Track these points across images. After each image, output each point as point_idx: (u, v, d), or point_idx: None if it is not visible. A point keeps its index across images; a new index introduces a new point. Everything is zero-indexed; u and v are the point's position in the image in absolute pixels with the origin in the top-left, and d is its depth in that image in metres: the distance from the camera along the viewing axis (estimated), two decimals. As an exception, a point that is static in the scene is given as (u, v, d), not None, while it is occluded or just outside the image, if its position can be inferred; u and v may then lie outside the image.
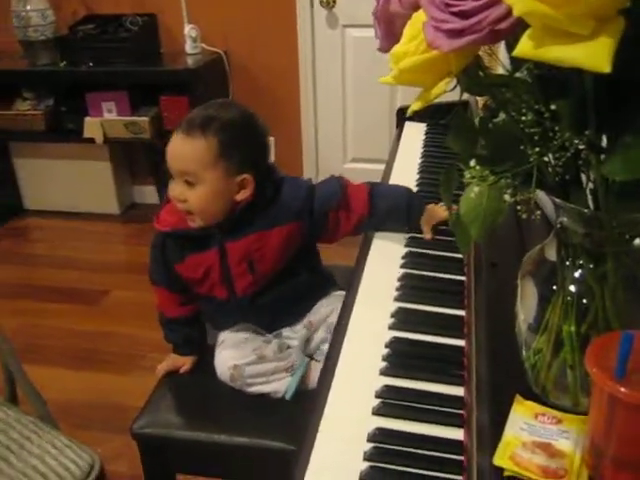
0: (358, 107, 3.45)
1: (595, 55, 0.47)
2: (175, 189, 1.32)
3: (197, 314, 1.52)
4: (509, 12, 0.52)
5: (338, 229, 1.43)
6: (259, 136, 1.37)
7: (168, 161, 1.31)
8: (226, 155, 1.29)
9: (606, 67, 0.47)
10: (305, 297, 1.47)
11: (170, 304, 1.49)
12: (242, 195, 1.33)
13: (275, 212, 1.37)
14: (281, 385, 1.37)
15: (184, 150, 1.29)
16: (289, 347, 1.43)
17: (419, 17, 0.64)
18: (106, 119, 3.37)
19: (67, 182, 3.71)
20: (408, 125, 2.07)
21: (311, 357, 1.43)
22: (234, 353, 1.40)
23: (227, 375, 1.38)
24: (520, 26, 0.52)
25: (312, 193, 1.41)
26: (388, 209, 1.42)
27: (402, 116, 2.10)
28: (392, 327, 1.12)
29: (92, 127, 3.36)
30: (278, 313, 1.46)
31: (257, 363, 1.37)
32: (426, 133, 2.01)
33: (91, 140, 3.39)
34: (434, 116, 1.99)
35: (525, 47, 0.51)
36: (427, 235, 1.40)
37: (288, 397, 1.36)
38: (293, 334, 1.47)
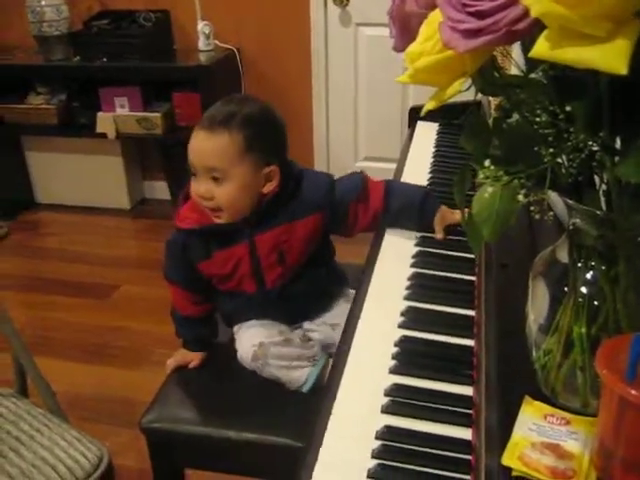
0: (370, 106, 3.44)
1: (611, 57, 0.47)
2: (200, 187, 1.31)
3: (211, 313, 1.52)
4: (526, 13, 0.52)
5: (357, 223, 1.45)
6: (280, 127, 1.38)
7: (191, 158, 1.31)
8: (252, 149, 1.29)
9: (622, 69, 0.47)
10: (325, 292, 1.50)
11: (185, 303, 1.48)
12: (269, 187, 1.34)
13: (299, 204, 1.39)
14: (301, 374, 1.37)
15: (209, 147, 1.29)
16: (310, 340, 1.44)
17: (435, 17, 0.64)
18: (118, 114, 3.38)
19: (78, 176, 3.72)
20: (420, 124, 2.07)
21: (330, 355, 1.43)
22: (261, 331, 1.41)
23: (250, 353, 1.38)
24: (537, 27, 0.52)
25: (333, 186, 1.43)
26: (401, 206, 1.43)
27: (414, 115, 2.09)
28: (402, 326, 1.12)
29: (104, 122, 3.38)
30: (301, 307, 1.47)
31: (283, 345, 1.38)
32: (438, 133, 2.01)
33: (103, 135, 3.40)
34: (447, 116, 1.99)
35: (542, 48, 0.51)
36: (438, 235, 1.40)
37: (306, 389, 1.37)
38: (315, 327, 1.47)
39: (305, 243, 1.41)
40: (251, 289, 1.42)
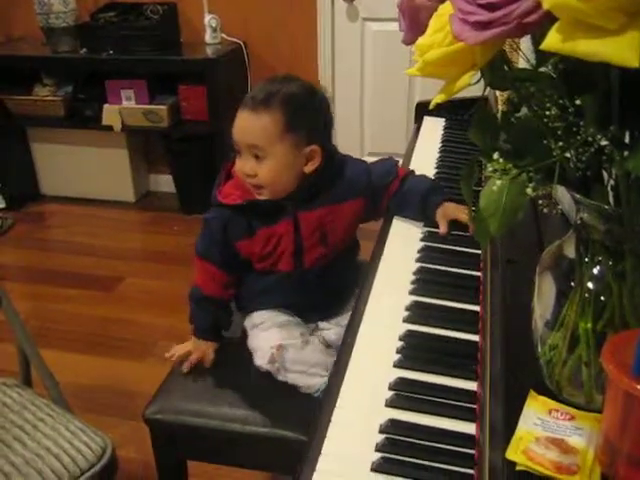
0: (376, 101, 3.44)
1: (623, 50, 0.47)
2: (245, 165, 1.33)
3: (230, 300, 1.51)
4: (537, 5, 0.52)
5: (383, 207, 1.49)
6: (323, 108, 1.39)
7: (235, 136, 1.33)
8: (292, 128, 1.31)
9: (634, 62, 0.47)
10: (349, 285, 1.52)
11: (213, 283, 1.45)
12: (310, 167, 1.35)
13: (344, 186, 1.42)
14: (317, 383, 1.36)
15: (251, 126, 1.31)
16: (330, 346, 1.43)
17: (445, 9, 0.64)
18: (124, 107, 3.38)
19: (84, 169, 3.73)
20: (427, 120, 2.06)
21: None
22: (280, 333, 1.41)
23: (267, 356, 1.37)
24: (548, 19, 0.52)
25: (370, 171, 1.48)
26: (407, 191, 1.47)
27: (421, 111, 2.09)
28: (407, 320, 1.12)
29: (110, 115, 3.38)
30: (328, 295, 1.48)
31: (302, 348, 1.38)
32: (445, 128, 2.00)
33: (109, 128, 3.41)
34: (453, 111, 1.99)
35: (553, 40, 0.51)
36: (442, 229, 1.40)
37: (317, 394, 1.36)
38: (331, 326, 1.47)
39: (347, 226, 1.45)
40: (288, 268, 1.42)
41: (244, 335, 1.50)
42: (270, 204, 1.37)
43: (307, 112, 1.34)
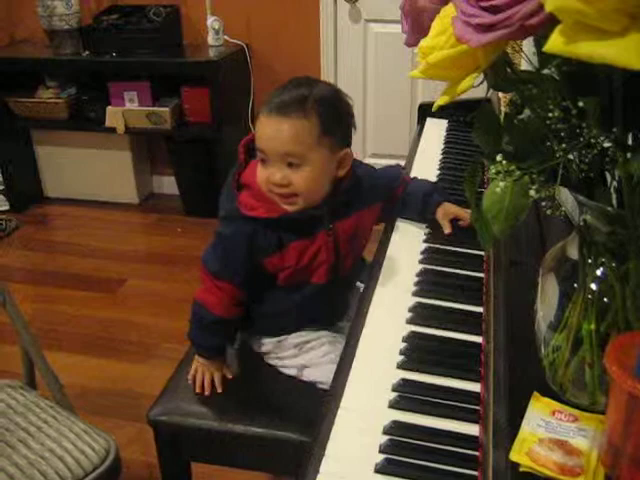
0: (379, 103, 3.44)
1: (626, 52, 0.47)
2: (276, 174, 1.23)
3: (240, 318, 1.43)
4: (540, 7, 0.52)
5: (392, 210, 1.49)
6: (350, 110, 1.33)
7: (262, 145, 1.23)
8: (328, 131, 1.23)
9: (637, 64, 0.47)
10: (354, 286, 1.51)
11: (228, 302, 1.35)
12: (342, 171, 1.30)
13: (366, 191, 1.38)
14: None
15: (284, 132, 1.20)
16: None
17: (448, 11, 0.64)
18: (128, 109, 3.38)
19: (87, 170, 3.73)
20: (429, 121, 2.07)
21: None
22: (334, 344, 1.40)
23: (329, 369, 1.24)
24: (550, 22, 0.52)
25: (382, 175, 1.48)
26: (408, 192, 1.47)
27: (424, 112, 2.09)
28: (410, 321, 1.12)
29: (114, 116, 3.38)
30: (348, 298, 1.48)
31: None
32: (447, 130, 2.01)
33: (112, 129, 3.41)
34: (456, 113, 1.99)
35: (555, 43, 0.51)
36: (446, 230, 1.40)
37: None
38: (345, 323, 1.47)
39: (370, 230, 1.43)
40: (323, 280, 1.34)
41: (245, 340, 1.51)
42: (306, 217, 1.28)
43: (339, 115, 1.29)
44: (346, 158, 1.29)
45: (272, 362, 1.46)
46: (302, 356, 1.42)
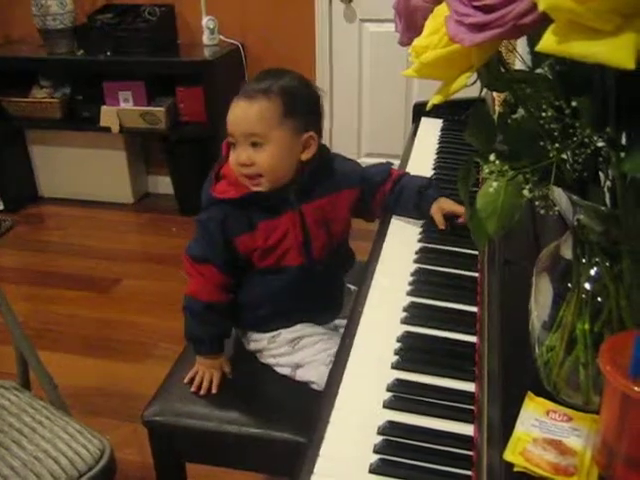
0: (374, 102, 3.44)
1: (619, 51, 0.47)
2: (241, 154, 1.32)
3: (231, 306, 1.44)
4: (533, 7, 0.52)
5: (379, 207, 1.51)
6: (316, 98, 1.40)
7: (231, 127, 1.32)
8: (291, 113, 1.31)
9: (630, 63, 0.47)
10: (342, 278, 1.53)
11: (213, 287, 1.39)
12: (307, 154, 1.36)
13: (340, 177, 1.43)
14: None
15: (248, 113, 1.30)
16: None
17: (441, 10, 0.64)
18: (122, 108, 3.38)
19: (82, 170, 3.72)
20: (424, 121, 2.06)
21: None
22: (329, 342, 1.41)
23: (327, 362, 1.34)
24: (544, 21, 0.52)
25: (362, 167, 1.52)
26: (401, 188, 1.48)
27: (418, 111, 2.09)
28: (404, 321, 1.12)
29: (108, 116, 3.38)
30: (335, 289, 1.49)
31: None
32: (442, 129, 2.01)
33: (107, 129, 3.40)
34: (451, 112, 1.99)
35: (548, 42, 0.51)
36: (440, 225, 1.41)
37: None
38: (344, 322, 1.47)
39: (346, 215, 1.45)
40: (297, 261, 1.39)
41: (239, 340, 1.51)
42: (272, 196, 1.35)
43: (304, 100, 1.36)
44: (310, 142, 1.36)
45: (266, 361, 1.46)
46: (296, 354, 1.41)
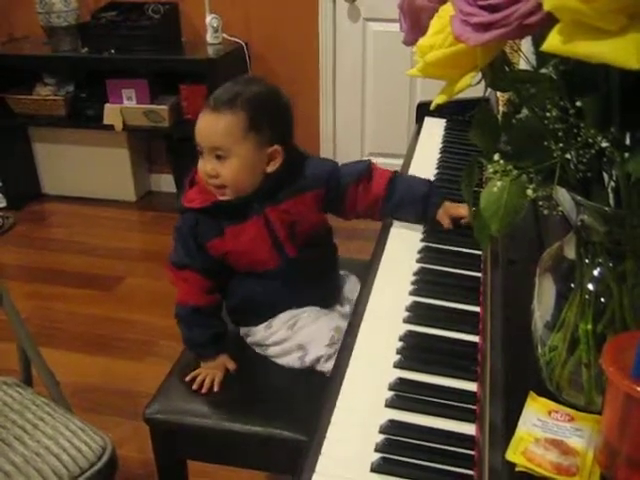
0: (377, 101, 3.44)
1: (623, 51, 0.47)
2: (206, 165, 1.35)
3: (221, 306, 1.48)
4: (538, 6, 0.52)
5: (355, 206, 1.49)
6: (285, 109, 1.41)
7: (198, 138, 1.35)
8: (255, 128, 1.33)
9: (635, 63, 0.47)
10: (332, 270, 1.55)
11: (197, 291, 1.42)
12: (272, 166, 1.38)
13: (305, 180, 1.43)
14: None
15: (213, 126, 1.33)
16: None
17: (446, 10, 0.64)
18: (126, 106, 3.38)
19: (85, 168, 3.73)
20: (428, 120, 2.06)
21: None
22: (329, 316, 1.43)
23: (327, 338, 1.37)
24: (549, 21, 0.52)
25: (336, 168, 1.50)
26: (403, 195, 1.46)
27: (422, 111, 2.09)
28: (407, 321, 1.12)
29: (112, 114, 3.38)
30: (320, 285, 1.49)
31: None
32: (446, 129, 2.00)
33: (110, 127, 3.41)
34: (454, 112, 1.99)
35: (553, 42, 0.51)
36: (446, 226, 1.41)
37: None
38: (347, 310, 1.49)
39: (310, 216, 1.45)
40: (273, 264, 1.42)
41: (239, 337, 1.51)
42: (236, 203, 1.38)
43: (270, 113, 1.36)
44: (275, 155, 1.37)
45: (271, 352, 1.46)
46: (297, 335, 1.42)
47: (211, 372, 1.42)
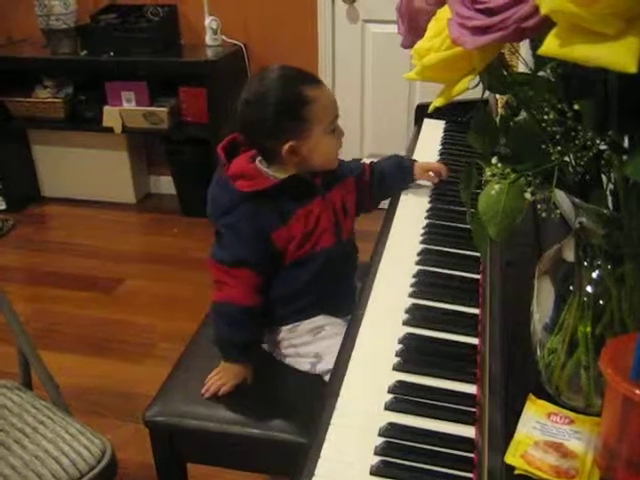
0: (376, 103, 3.44)
1: (621, 55, 0.47)
2: (338, 141, 1.45)
3: (262, 310, 1.42)
4: (535, 10, 0.52)
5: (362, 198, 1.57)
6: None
7: (332, 108, 1.42)
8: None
9: (632, 67, 0.47)
10: (353, 269, 1.56)
11: (249, 289, 1.36)
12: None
13: (339, 167, 1.49)
14: None
15: (333, 95, 1.44)
16: None
17: (444, 13, 0.64)
18: (125, 109, 3.38)
19: (84, 170, 3.73)
20: (427, 122, 2.07)
21: None
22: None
23: None
24: (546, 24, 0.52)
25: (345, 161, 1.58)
26: (382, 171, 1.61)
27: (421, 113, 2.09)
28: (406, 323, 1.12)
29: (111, 116, 3.38)
30: (351, 277, 1.53)
31: None
32: (445, 131, 2.01)
33: (109, 129, 3.41)
34: (453, 114, 1.99)
35: (551, 45, 0.51)
36: (434, 181, 1.62)
37: None
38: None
39: (354, 200, 1.52)
40: (330, 242, 1.41)
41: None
42: (304, 183, 1.40)
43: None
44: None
45: (285, 352, 1.46)
46: (317, 343, 1.43)
47: (230, 382, 1.40)
